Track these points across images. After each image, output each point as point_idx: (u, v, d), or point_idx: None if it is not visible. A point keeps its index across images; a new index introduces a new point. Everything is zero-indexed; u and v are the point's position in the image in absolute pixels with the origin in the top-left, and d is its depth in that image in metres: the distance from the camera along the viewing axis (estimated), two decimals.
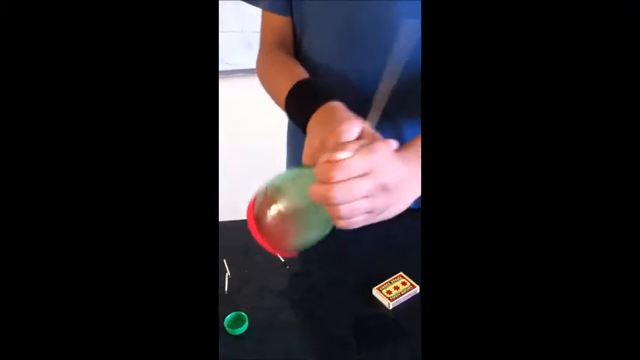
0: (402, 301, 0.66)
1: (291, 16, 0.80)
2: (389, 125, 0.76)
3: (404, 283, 0.67)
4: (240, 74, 1.68)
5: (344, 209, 0.44)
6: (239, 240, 0.79)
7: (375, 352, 0.59)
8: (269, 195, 0.51)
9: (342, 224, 0.46)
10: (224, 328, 0.62)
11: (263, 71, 0.80)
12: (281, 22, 0.83)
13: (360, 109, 0.75)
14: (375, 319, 0.63)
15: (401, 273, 0.69)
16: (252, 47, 1.63)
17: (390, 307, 0.64)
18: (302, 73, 0.70)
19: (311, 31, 0.76)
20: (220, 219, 0.80)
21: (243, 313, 0.63)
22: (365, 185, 0.44)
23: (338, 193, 0.43)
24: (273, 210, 0.50)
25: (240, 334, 0.61)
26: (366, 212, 0.45)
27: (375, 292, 0.67)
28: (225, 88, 1.50)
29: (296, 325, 0.64)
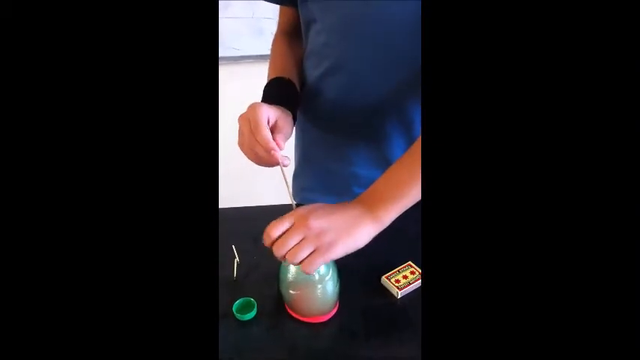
0: (411, 290, 0.66)
1: (291, 6, 0.80)
2: (398, 117, 0.76)
3: (412, 272, 0.67)
4: (250, 60, 1.67)
5: (288, 257, 0.53)
6: (249, 227, 0.80)
7: (383, 340, 0.59)
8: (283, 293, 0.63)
9: (304, 270, 0.53)
10: (233, 313, 0.62)
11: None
12: (283, 10, 0.83)
13: (372, 107, 0.74)
14: (384, 308, 0.64)
15: (409, 262, 0.69)
16: (263, 33, 1.62)
17: (399, 296, 0.65)
18: (283, 69, 0.77)
19: (316, 28, 0.75)
20: (230, 206, 0.80)
21: (252, 299, 0.64)
22: (292, 236, 0.54)
23: (276, 249, 0.54)
24: (291, 300, 0.62)
25: (249, 320, 0.62)
26: (314, 251, 0.53)
27: (383, 280, 0.67)
28: (235, 74, 1.50)
29: None
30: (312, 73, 0.79)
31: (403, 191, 0.59)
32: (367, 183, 0.82)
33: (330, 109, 0.80)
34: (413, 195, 0.59)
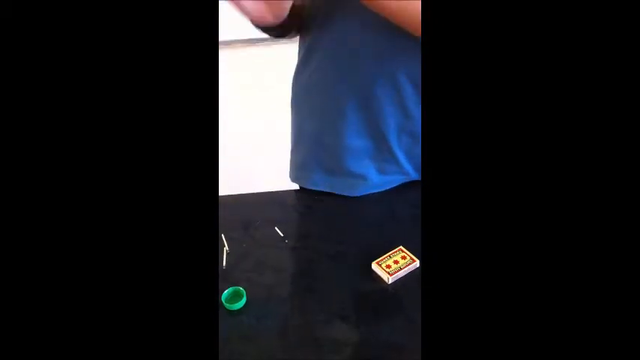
0: (402, 275, 0.65)
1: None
2: (388, 84, 0.75)
3: (404, 257, 0.66)
4: (240, 44, 1.64)
5: None
6: (237, 215, 0.79)
7: (374, 326, 0.58)
8: None
9: None
10: (222, 303, 0.61)
11: None
12: None
13: (360, 73, 0.74)
14: (375, 294, 0.63)
15: (401, 247, 0.68)
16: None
17: (389, 282, 0.64)
18: None
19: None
20: (219, 193, 0.79)
21: (241, 288, 0.63)
22: None
23: None
24: None
25: (238, 309, 0.61)
26: None
27: (374, 266, 0.66)
28: (225, 59, 1.47)
29: (294, 300, 0.63)
30: (303, 44, 0.79)
31: None
32: (360, 155, 0.82)
33: (319, 79, 0.79)
34: None
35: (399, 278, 0.65)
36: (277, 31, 0.72)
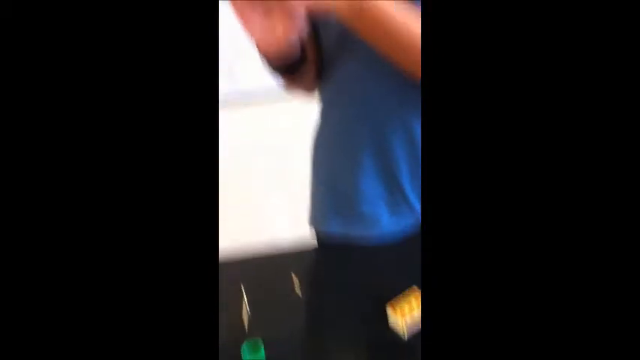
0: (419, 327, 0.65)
1: None
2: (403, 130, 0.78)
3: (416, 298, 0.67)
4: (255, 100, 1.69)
5: None
6: (251, 269, 0.80)
7: None
8: None
9: None
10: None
11: None
12: None
13: (374, 120, 0.78)
14: (391, 346, 0.63)
15: (414, 287, 0.69)
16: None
17: (406, 336, 0.64)
18: None
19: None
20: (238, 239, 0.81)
21: (259, 340, 0.63)
22: None
23: None
24: None
25: None
26: None
27: (389, 314, 0.66)
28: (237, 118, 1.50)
29: (308, 347, 0.64)
30: (320, 101, 0.86)
31: None
32: (373, 199, 0.85)
33: (337, 132, 0.85)
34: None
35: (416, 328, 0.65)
36: (284, 67, 0.72)
